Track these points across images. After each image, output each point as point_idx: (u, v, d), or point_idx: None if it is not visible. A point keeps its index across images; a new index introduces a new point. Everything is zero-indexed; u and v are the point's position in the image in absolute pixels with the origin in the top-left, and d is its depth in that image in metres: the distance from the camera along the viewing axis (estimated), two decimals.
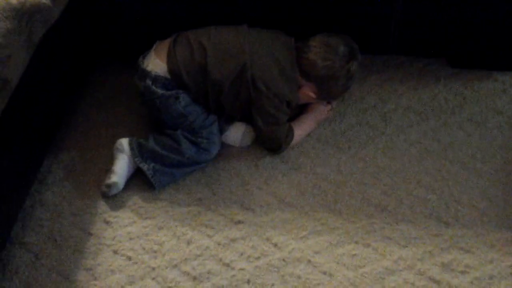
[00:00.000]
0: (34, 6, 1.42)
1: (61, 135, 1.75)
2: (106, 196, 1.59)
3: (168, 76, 1.61)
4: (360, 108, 1.78)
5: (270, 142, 1.66)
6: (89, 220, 1.57)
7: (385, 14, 1.70)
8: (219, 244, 1.50)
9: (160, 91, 1.60)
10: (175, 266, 1.46)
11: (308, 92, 1.65)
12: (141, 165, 1.60)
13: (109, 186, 1.58)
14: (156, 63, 1.62)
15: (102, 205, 1.59)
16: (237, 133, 1.69)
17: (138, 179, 1.63)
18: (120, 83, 1.88)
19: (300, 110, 1.74)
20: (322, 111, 1.73)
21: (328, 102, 1.75)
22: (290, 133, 1.66)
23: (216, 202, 1.59)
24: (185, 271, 1.44)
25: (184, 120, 1.62)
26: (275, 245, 1.49)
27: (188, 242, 1.51)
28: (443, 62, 1.87)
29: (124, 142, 1.63)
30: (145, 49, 1.69)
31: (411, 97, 1.80)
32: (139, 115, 1.78)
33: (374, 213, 1.53)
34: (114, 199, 1.60)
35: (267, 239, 1.50)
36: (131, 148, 1.61)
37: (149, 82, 1.61)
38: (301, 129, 1.69)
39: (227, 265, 1.44)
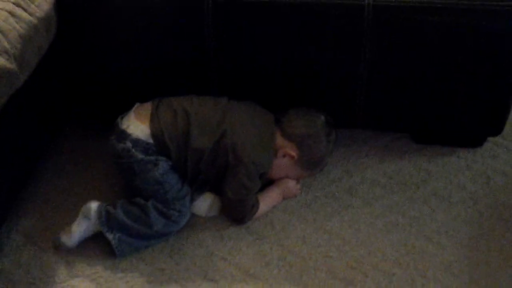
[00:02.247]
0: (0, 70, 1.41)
1: (22, 201, 1.71)
2: (54, 247, 1.58)
3: (149, 140, 1.59)
4: (326, 181, 1.78)
5: (235, 212, 1.64)
6: None
7: (351, 90, 1.73)
8: None
9: (139, 155, 1.58)
10: None
11: (289, 152, 1.65)
12: (107, 235, 1.56)
13: (59, 244, 1.57)
14: (137, 125, 1.60)
15: (61, 274, 1.54)
16: (204, 203, 1.67)
17: (98, 243, 1.59)
18: (86, 149, 1.86)
19: (267, 182, 1.73)
20: (290, 187, 1.72)
21: (298, 181, 1.75)
22: (255, 205, 1.65)
23: (178, 272, 1.55)
24: None
25: (159, 188, 1.58)
26: None
27: None
28: (407, 138, 1.90)
29: (92, 208, 1.58)
30: (114, 116, 1.68)
31: (377, 171, 1.81)
32: (104, 182, 1.76)
33: (340, 287, 1.51)
34: (73, 267, 1.55)
35: None
36: (99, 217, 1.57)
37: (129, 144, 1.59)
38: (266, 202, 1.68)
39: None
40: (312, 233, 1.64)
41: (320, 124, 1.66)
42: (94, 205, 1.59)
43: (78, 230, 1.57)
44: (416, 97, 1.76)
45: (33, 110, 1.67)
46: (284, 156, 1.66)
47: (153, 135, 1.59)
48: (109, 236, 1.55)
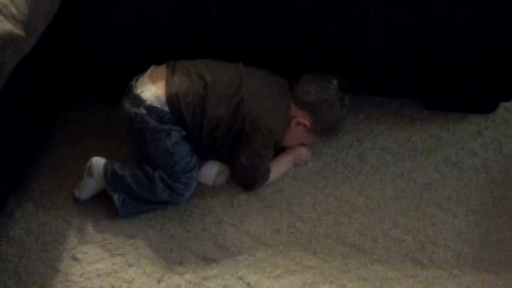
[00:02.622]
0: (7, 36, 1.39)
1: (32, 169, 1.71)
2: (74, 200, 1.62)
3: (164, 108, 1.55)
4: (337, 147, 1.77)
5: (247, 178, 1.64)
6: (57, 256, 1.52)
7: (360, 55, 1.70)
8: (190, 282, 1.46)
9: (153, 123, 1.55)
10: None
11: (302, 121, 1.63)
12: (111, 193, 1.56)
13: (75, 198, 1.62)
14: (151, 91, 1.56)
15: (71, 241, 1.55)
16: (211, 172, 1.66)
17: (105, 205, 1.59)
18: (94, 117, 1.85)
19: (278, 149, 1.72)
20: (301, 154, 1.71)
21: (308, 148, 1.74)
22: (266, 171, 1.64)
23: (188, 239, 1.55)
24: None
25: (169, 158, 1.56)
26: (248, 284, 1.45)
27: (159, 280, 1.47)
28: (419, 104, 1.88)
29: (99, 165, 1.59)
30: (125, 86, 1.64)
31: (387, 137, 1.80)
32: (113, 148, 1.75)
33: (350, 253, 1.51)
34: (83, 233, 1.56)
35: (240, 278, 1.46)
36: (105, 175, 1.57)
37: (143, 110, 1.55)
38: (277, 169, 1.67)
39: None
40: (322, 200, 1.64)
41: (332, 89, 1.63)
42: (100, 162, 1.59)
43: (85, 188, 1.60)
44: (426, 61, 1.73)
45: (41, 78, 1.65)
46: (297, 124, 1.64)
47: (169, 101, 1.55)
48: (114, 195, 1.56)
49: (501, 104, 1.84)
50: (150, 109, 1.55)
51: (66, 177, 1.69)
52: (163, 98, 1.55)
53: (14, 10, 1.44)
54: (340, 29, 1.66)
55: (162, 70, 1.61)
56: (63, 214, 1.60)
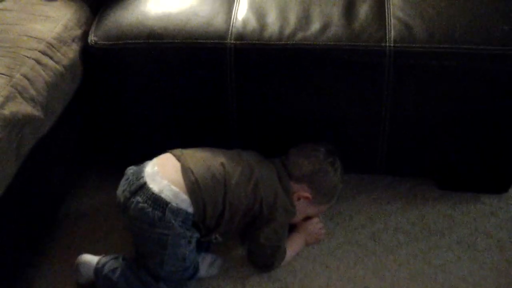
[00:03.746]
0: (26, 118, 1.43)
1: (42, 249, 1.70)
2: None
3: (189, 209, 1.46)
4: (349, 227, 1.76)
5: (265, 258, 1.62)
6: None
7: (372, 136, 1.72)
8: None
9: (179, 228, 1.45)
10: None
11: (303, 194, 1.62)
12: None
13: None
14: (174, 192, 1.46)
15: None
16: (203, 264, 1.62)
17: None
18: (106, 195, 1.83)
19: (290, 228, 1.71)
20: (314, 232, 1.71)
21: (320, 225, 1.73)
22: (283, 251, 1.63)
23: None
24: None
25: (181, 265, 1.50)
26: None
27: None
28: (430, 183, 1.88)
29: (88, 265, 1.56)
30: (142, 157, 1.62)
31: (400, 217, 1.79)
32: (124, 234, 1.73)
33: None
34: None
35: None
36: (96, 278, 1.55)
37: (169, 215, 1.44)
38: (292, 249, 1.66)
39: None
40: (335, 281, 1.62)
41: (322, 157, 1.63)
42: (86, 263, 1.56)
43: (80, 280, 1.59)
44: (438, 142, 1.75)
45: (57, 156, 1.68)
46: (299, 199, 1.64)
47: (191, 194, 1.46)
48: None
49: None
50: (177, 212, 1.45)
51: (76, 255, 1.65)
52: (186, 197, 1.46)
53: (33, 92, 1.49)
54: (352, 108, 1.68)
55: (169, 159, 1.54)
56: None
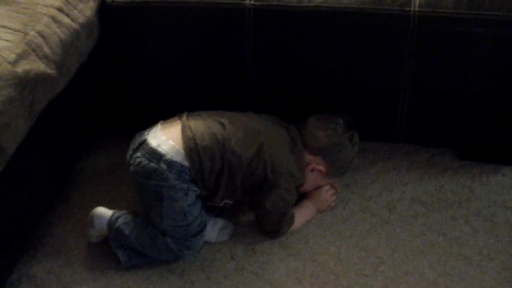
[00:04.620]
0: (39, 76, 1.41)
1: (55, 208, 1.71)
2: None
3: (184, 163, 1.48)
4: (364, 196, 1.73)
5: (272, 224, 1.60)
6: None
7: (392, 102, 1.68)
8: None
9: (173, 180, 1.47)
10: None
11: (316, 167, 1.61)
12: (116, 250, 1.55)
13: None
14: (170, 146, 1.49)
15: (89, 284, 1.54)
16: (213, 229, 1.62)
17: None
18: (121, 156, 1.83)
19: (302, 195, 1.69)
20: (325, 199, 1.68)
21: (333, 187, 1.70)
22: (291, 217, 1.61)
23: (209, 286, 1.52)
24: None
25: (182, 219, 1.50)
26: None
27: None
28: (450, 153, 1.83)
29: (101, 217, 1.58)
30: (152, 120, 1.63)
31: (417, 187, 1.75)
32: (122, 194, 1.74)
33: None
34: (104, 276, 1.55)
35: None
36: (109, 231, 1.56)
37: (163, 166, 1.47)
38: (302, 216, 1.64)
39: None
40: (347, 250, 1.60)
41: (340, 130, 1.60)
42: (99, 215, 1.58)
43: (90, 237, 1.61)
44: (460, 111, 1.70)
45: (71, 115, 1.67)
46: (312, 171, 1.62)
47: (187, 149, 1.48)
48: (118, 252, 1.55)
49: None
50: (171, 164, 1.48)
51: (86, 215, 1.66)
52: (182, 151, 1.49)
53: (47, 50, 1.47)
54: (373, 74, 1.65)
55: (174, 121, 1.57)
56: (79, 259, 1.59)
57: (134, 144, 1.56)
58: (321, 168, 1.61)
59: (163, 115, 1.63)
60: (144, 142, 1.52)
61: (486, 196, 1.72)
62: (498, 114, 1.69)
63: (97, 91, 1.80)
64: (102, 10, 1.65)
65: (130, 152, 1.56)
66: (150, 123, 1.61)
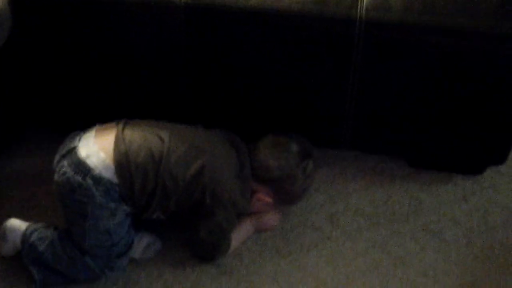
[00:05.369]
0: None
1: None
2: None
3: (113, 179, 1.34)
4: (306, 207, 1.61)
5: (205, 253, 1.47)
6: None
7: (338, 108, 1.55)
8: None
9: (99, 198, 1.33)
10: None
11: (263, 198, 1.48)
12: (30, 267, 1.41)
13: None
14: (100, 158, 1.35)
15: None
16: (139, 245, 1.48)
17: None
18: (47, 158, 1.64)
19: None
20: (267, 223, 1.55)
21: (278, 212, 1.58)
22: (227, 246, 1.47)
23: None
24: None
25: (106, 240, 1.37)
26: None
27: None
28: (399, 160, 1.72)
29: (15, 230, 1.44)
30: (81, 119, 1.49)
31: (363, 197, 1.64)
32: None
33: None
34: None
35: None
36: (22, 247, 1.43)
37: (89, 181, 1.33)
38: (238, 238, 1.50)
39: None
40: (284, 269, 1.48)
41: (293, 161, 1.47)
42: (13, 228, 1.45)
43: (3, 251, 1.47)
44: (409, 118, 1.58)
45: None
46: (259, 200, 1.49)
47: (117, 164, 1.34)
48: (33, 269, 1.41)
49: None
50: (99, 180, 1.33)
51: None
52: (113, 166, 1.34)
53: None
54: (319, 78, 1.51)
55: (110, 128, 1.41)
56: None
57: (63, 150, 1.40)
58: (269, 199, 1.48)
59: (90, 113, 1.50)
60: (73, 149, 1.38)
61: (435, 209, 1.62)
62: (450, 121, 1.58)
63: (14, 86, 1.63)
64: (14, 2, 1.46)
65: (57, 157, 1.41)
66: (71, 123, 1.48)
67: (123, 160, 1.34)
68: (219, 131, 1.51)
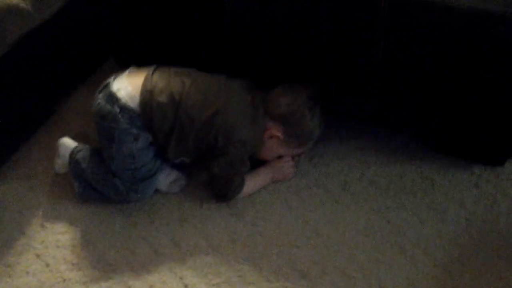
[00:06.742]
0: (10, 8, 1.49)
1: (33, 138, 1.83)
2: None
3: (137, 109, 1.56)
4: (324, 172, 1.74)
5: (218, 188, 1.65)
6: (28, 220, 1.62)
7: (363, 82, 1.66)
8: (133, 271, 1.51)
9: (124, 124, 1.55)
10: (85, 283, 1.49)
11: (275, 133, 1.63)
12: (72, 179, 1.65)
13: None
14: (128, 92, 1.57)
15: (46, 209, 1.65)
16: (166, 179, 1.68)
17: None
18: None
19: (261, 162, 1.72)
20: (282, 169, 1.70)
21: (292, 158, 1.73)
22: (239, 184, 1.64)
23: (149, 230, 1.60)
24: None
25: (131, 163, 1.58)
26: (186, 285, 1.49)
27: (107, 264, 1.53)
28: (422, 142, 1.81)
29: (65, 148, 1.69)
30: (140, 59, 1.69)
31: (379, 170, 1.74)
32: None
33: (294, 278, 1.50)
34: (57, 205, 1.66)
35: (180, 278, 1.50)
36: (70, 162, 1.66)
37: (116, 109, 1.55)
38: (253, 181, 1.67)
39: None
40: (289, 220, 1.63)
41: (301, 99, 1.61)
42: (63, 145, 1.69)
43: (56, 165, 1.72)
44: (434, 101, 1.64)
45: (50, 50, 1.75)
46: (270, 137, 1.64)
47: (142, 99, 1.55)
48: (74, 182, 1.64)
49: None
50: (124, 108, 1.55)
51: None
52: (137, 99, 1.55)
53: None
54: (345, 53, 1.62)
55: (141, 72, 1.61)
56: (42, 186, 1.70)
57: (101, 86, 1.63)
58: (279, 134, 1.63)
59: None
60: (107, 85, 1.60)
61: (444, 190, 1.69)
62: (475, 110, 1.64)
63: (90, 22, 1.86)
64: None
65: (97, 92, 1.64)
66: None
67: (147, 96, 1.56)
68: (239, 80, 1.67)
